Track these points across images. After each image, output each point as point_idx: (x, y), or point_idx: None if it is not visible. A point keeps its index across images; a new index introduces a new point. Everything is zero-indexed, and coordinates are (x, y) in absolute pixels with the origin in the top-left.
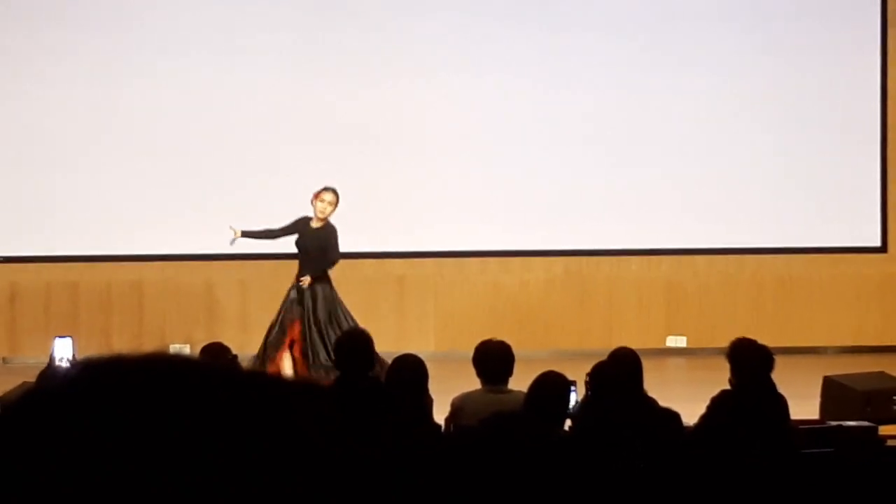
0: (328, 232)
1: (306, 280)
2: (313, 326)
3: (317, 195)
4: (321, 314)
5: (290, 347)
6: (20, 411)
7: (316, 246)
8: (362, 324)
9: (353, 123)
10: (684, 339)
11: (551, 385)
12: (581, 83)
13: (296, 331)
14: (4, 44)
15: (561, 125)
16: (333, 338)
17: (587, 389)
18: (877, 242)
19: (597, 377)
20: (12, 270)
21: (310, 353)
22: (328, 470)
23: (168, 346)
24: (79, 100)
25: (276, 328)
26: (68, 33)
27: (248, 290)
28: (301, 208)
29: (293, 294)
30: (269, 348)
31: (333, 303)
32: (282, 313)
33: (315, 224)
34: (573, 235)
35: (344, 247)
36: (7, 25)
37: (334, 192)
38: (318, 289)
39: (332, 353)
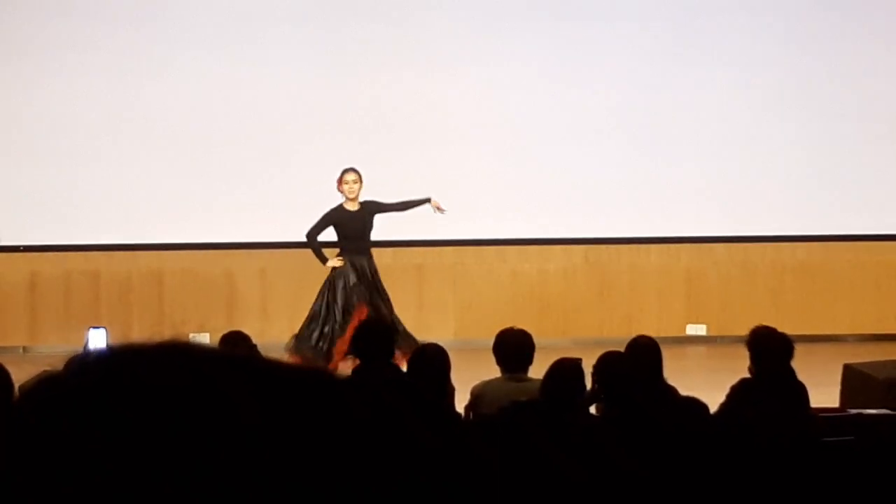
0: (367, 209)
1: (337, 262)
2: (381, 304)
3: (340, 181)
4: (380, 288)
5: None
6: (31, 399)
7: (360, 227)
8: None
9: (373, 114)
10: (704, 327)
11: (566, 371)
12: (601, 73)
13: (363, 313)
14: (27, 35)
15: (581, 115)
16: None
17: (594, 381)
18: None
19: (604, 368)
20: (33, 259)
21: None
22: (345, 462)
23: (187, 335)
24: (100, 90)
25: (339, 315)
26: (91, 26)
27: (269, 279)
28: (322, 197)
29: (352, 279)
30: (335, 334)
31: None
32: (333, 299)
33: (350, 206)
34: (593, 224)
35: None
36: (31, 18)
37: (353, 170)
38: (369, 266)
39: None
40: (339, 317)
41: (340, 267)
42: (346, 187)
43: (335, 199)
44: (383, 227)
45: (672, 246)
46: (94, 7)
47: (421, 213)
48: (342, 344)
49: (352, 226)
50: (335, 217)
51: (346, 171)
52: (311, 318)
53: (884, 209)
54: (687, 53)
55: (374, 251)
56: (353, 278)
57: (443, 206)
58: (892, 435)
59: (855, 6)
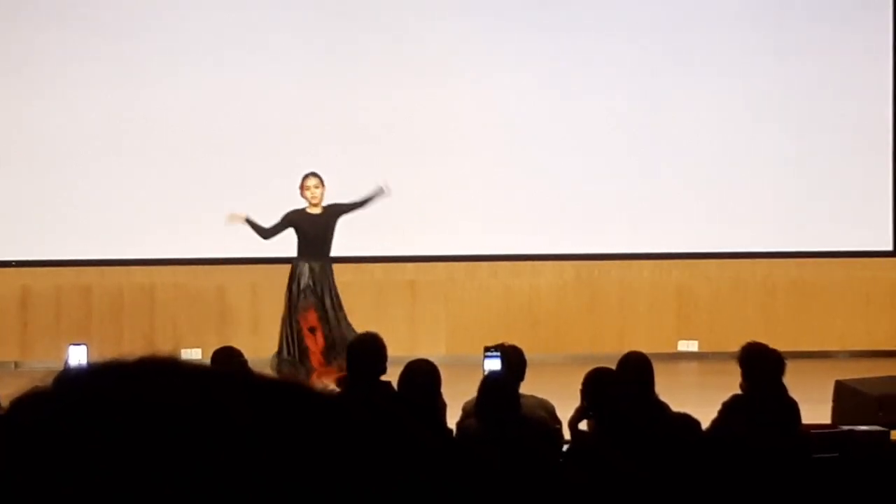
0: (329, 212)
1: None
2: (330, 311)
3: (302, 186)
4: (333, 295)
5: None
6: (14, 414)
7: (321, 231)
8: (373, 328)
9: (366, 129)
10: (696, 343)
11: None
12: (591, 88)
13: (311, 319)
14: (20, 49)
15: (571, 130)
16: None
17: (582, 398)
18: (889, 246)
19: (594, 384)
20: (24, 274)
21: (334, 339)
22: (333, 478)
23: (179, 350)
24: (92, 104)
25: (293, 319)
26: (83, 38)
27: (260, 294)
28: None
29: (304, 281)
30: (299, 342)
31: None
32: (290, 304)
33: (312, 210)
34: (584, 240)
35: (355, 251)
36: (23, 30)
37: (315, 175)
38: (327, 271)
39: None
40: (293, 321)
41: (299, 269)
42: (308, 193)
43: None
44: (375, 244)
45: (663, 262)
46: (88, 22)
47: (413, 229)
48: (315, 356)
49: (312, 230)
50: (295, 219)
51: (307, 177)
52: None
53: (875, 225)
54: (677, 69)
55: (367, 267)
56: (305, 280)
57: (389, 185)
58: (883, 451)
59: (846, 21)
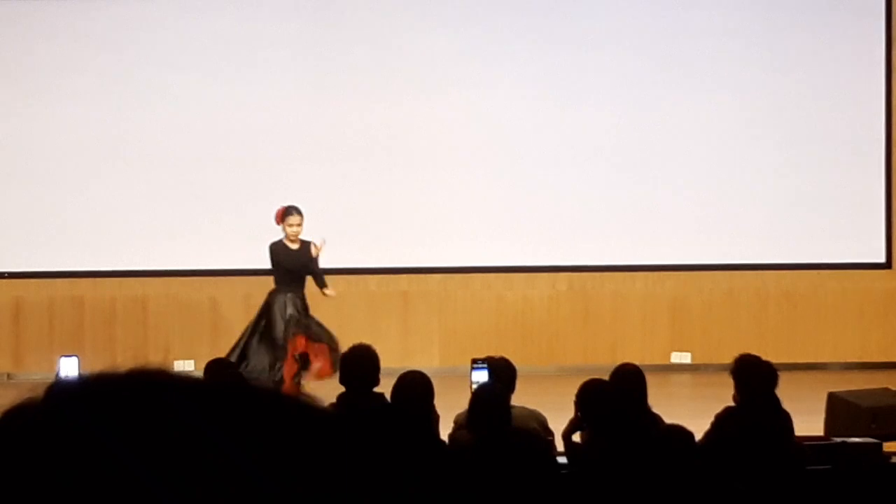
0: (305, 249)
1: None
2: (314, 328)
3: (282, 220)
4: (314, 323)
5: (302, 359)
6: (2, 425)
7: (298, 266)
8: (366, 340)
9: (358, 140)
10: (689, 355)
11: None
12: (584, 100)
13: (300, 345)
14: (11, 60)
15: (564, 142)
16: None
17: (575, 410)
18: (881, 259)
19: (587, 395)
20: (17, 286)
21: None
22: (326, 490)
23: (171, 362)
24: (84, 116)
25: (280, 342)
26: (76, 50)
27: (253, 306)
28: (308, 223)
29: (289, 311)
30: (279, 362)
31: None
32: (268, 325)
33: (293, 245)
34: (577, 252)
35: (348, 263)
36: (16, 42)
37: (298, 212)
38: (301, 301)
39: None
40: (272, 342)
41: (277, 296)
42: (290, 230)
43: (318, 225)
44: (369, 255)
45: (657, 274)
46: (81, 34)
47: (406, 240)
48: (288, 380)
49: (293, 264)
50: (281, 253)
51: (290, 214)
52: (237, 342)
53: (867, 238)
54: (671, 82)
55: (360, 279)
56: (290, 310)
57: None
58: (875, 463)
59: (838, 35)
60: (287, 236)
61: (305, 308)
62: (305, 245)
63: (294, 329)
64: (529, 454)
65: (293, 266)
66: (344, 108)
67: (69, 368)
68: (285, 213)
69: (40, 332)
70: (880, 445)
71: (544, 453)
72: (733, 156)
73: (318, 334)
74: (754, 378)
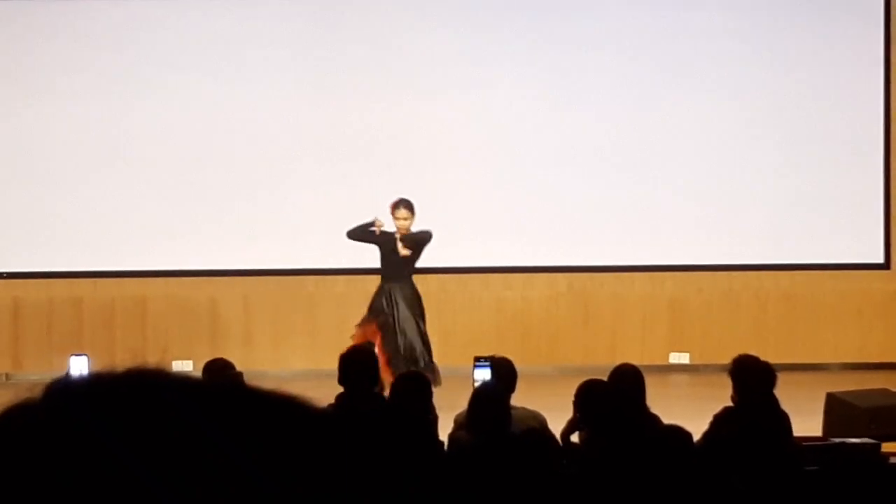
0: (413, 241)
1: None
2: (400, 329)
3: (393, 211)
4: (405, 315)
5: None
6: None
7: (399, 257)
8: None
9: (358, 140)
10: (687, 355)
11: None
12: (584, 101)
13: (369, 332)
14: (10, 60)
15: (564, 143)
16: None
17: (574, 410)
18: (880, 259)
19: (586, 396)
20: (16, 286)
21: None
22: (324, 490)
23: (170, 362)
24: (83, 116)
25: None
26: (74, 50)
27: (252, 306)
28: (306, 224)
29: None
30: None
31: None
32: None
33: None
34: (577, 252)
35: (348, 263)
36: (14, 41)
37: (406, 206)
38: (401, 292)
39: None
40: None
41: (382, 288)
42: (398, 223)
43: (318, 225)
44: (366, 255)
45: (655, 274)
46: (79, 33)
47: None
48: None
49: (393, 255)
50: (381, 241)
51: (398, 207)
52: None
53: (866, 238)
54: (669, 83)
55: (357, 278)
56: (382, 300)
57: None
58: (874, 464)
59: (837, 35)
60: (397, 229)
61: (407, 302)
62: (412, 237)
63: (373, 317)
64: (529, 454)
65: (391, 255)
66: (344, 108)
67: (79, 367)
68: (394, 207)
69: (39, 333)
70: (879, 446)
71: (544, 453)
72: (732, 156)
73: (388, 342)
74: (752, 378)
